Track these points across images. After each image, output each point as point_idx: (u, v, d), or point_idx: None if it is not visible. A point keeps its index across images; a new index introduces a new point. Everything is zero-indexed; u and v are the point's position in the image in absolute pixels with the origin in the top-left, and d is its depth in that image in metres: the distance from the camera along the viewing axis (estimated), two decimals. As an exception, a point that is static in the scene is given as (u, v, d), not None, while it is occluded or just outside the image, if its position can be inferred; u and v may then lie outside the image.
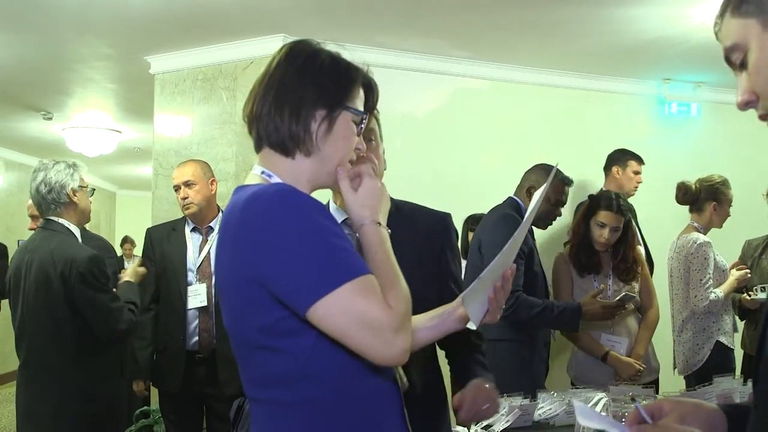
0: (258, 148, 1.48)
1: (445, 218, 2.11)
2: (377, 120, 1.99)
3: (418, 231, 2.01)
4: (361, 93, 1.49)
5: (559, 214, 3.82)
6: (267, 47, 4.49)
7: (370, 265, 1.33)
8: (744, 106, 1.02)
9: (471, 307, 1.64)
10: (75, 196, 3.09)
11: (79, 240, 3.13)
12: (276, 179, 1.42)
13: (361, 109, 1.48)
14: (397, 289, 1.31)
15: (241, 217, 1.32)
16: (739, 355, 4.11)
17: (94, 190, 3.32)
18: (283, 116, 1.41)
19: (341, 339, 1.26)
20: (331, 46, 1.49)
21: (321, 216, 1.31)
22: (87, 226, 3.60)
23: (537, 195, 1.62)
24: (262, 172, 1.44)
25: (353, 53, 1.52)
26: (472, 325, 1.66)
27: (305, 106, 1.41)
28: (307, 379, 1.33)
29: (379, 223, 1.43)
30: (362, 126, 1.48)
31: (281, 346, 1.32)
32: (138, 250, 7.30)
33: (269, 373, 1.35)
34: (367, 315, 1.24)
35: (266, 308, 1.30)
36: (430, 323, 1.70)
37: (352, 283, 1.24)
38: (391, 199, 2.02)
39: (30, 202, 3.86)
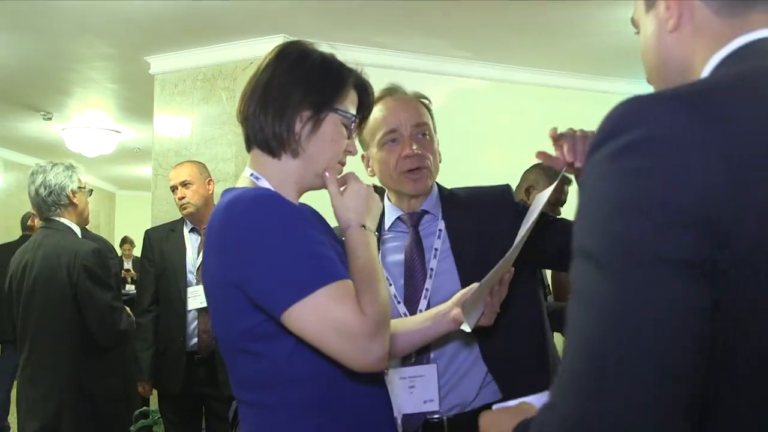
0: (248, 149, 1.48)
1: (503, 191, 1.98)
2: (430, 113, 1.96)
3: (479, 215, 1.91)
4: (354, 95, 1.48)
5: (558, 214, 3.81)
6: (267, 48, 4.48)
7: (351, 269, 1.33)
8: (648, 81, 1.04)
9: (468, 310, 1.63)
10: (74, 197, 3.10)
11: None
12: (264, 181, 1.41)
13: (353, 111, 1.46)
14: (374, 295, 1.29)
15: (221, 220, 1.32)
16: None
17: (92, 190, 3.33)
18: (267, 116, 1.40)
19: (316, 344, 1.25)
20: (324, 48, 1.48)
21: (297, 221, 1.30)
22: (86, 226, 3.61)
23: (541, 199, 1.59)
24: (251, 174, 1.43)
25: (351, 54, 1.51)
26: (466, 328, 1.65)
27: (290, 107, 1.40)
28: (289, 383, 1.32)
29: (364, 227, 1.42)
30: (352, 128, 1.47)
31: (261, 349, 1.32)
32: (137, 251, 7.29)
33: (252, 375, 1.35)
34: (340, 321, 1.23)
35: (246, 312, 1.30)
36: (423, 325, 1.69)
37: (326, 288, 1.23)
38: (445, 188, 2.00)
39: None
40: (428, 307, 1.82)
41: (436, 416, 1.81)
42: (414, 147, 1.85)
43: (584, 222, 0.79)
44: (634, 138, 0.75)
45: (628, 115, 0.79)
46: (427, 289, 1.85)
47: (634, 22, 1.04)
